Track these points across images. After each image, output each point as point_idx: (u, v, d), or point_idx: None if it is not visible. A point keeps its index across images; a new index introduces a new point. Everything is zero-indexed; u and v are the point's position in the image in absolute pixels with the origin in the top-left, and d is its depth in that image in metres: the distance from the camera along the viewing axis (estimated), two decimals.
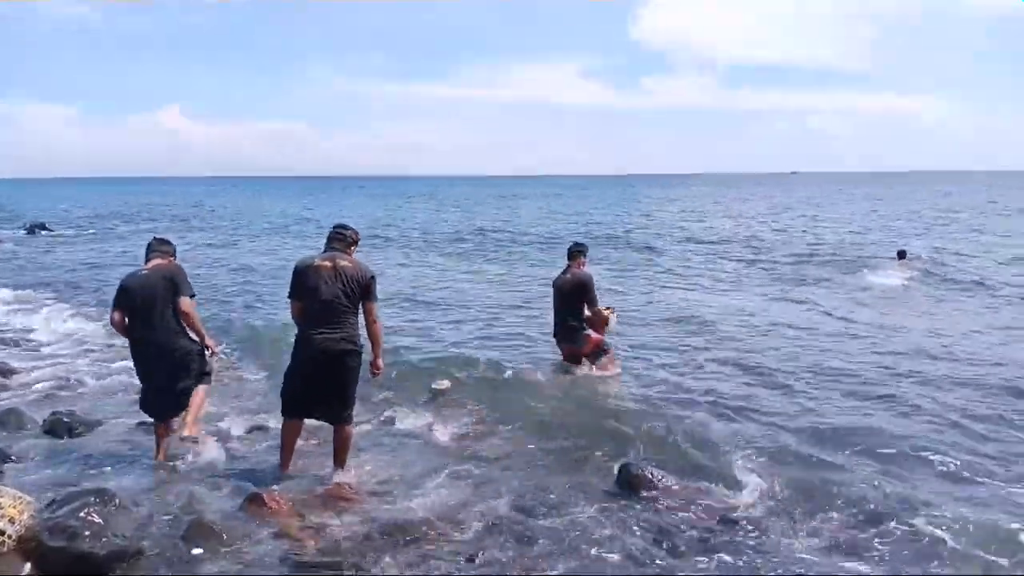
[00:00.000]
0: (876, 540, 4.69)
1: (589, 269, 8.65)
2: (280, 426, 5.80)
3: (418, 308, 13.38)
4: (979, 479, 5.65)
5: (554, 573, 4.34)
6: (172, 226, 36.88)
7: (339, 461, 5.69)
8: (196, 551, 4.43)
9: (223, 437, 6.60)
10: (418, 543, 4.65)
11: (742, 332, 10.95)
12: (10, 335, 11.18)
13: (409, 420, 7.17)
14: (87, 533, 4.17)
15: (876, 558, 4.52)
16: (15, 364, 9.18)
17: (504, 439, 6.67)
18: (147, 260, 6.09)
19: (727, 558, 4.53)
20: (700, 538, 4.77)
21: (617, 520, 5.01)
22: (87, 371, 9.09)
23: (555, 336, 8.71)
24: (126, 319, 5.89)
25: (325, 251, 5.66)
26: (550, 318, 8.76)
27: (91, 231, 34.15)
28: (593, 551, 4.60)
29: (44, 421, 6.94)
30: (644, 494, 5.37)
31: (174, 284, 5.84)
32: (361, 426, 6.46)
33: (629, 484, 5.48)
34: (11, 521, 4.16)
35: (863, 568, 4.41)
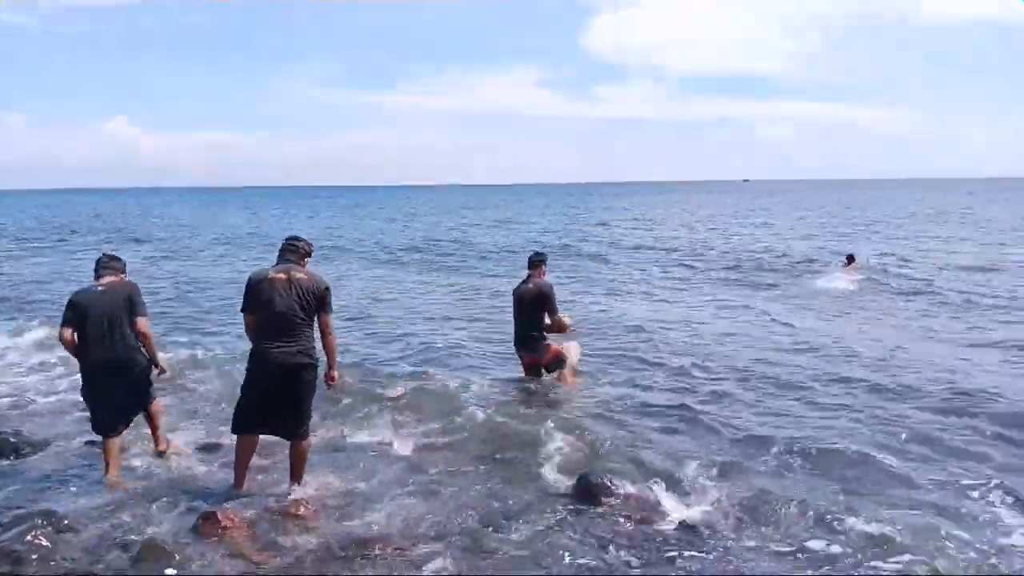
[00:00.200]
0: (825, 543, 4.78)
1: (549, 278, 8.70)
2: (234, 442, 5.72)
3: (371, 319, 13.31)
4: (921, 482, 5.79)
5: None
6: (120, 237, 36.14)
7: (296, 476, 5.63)
8: (148, 574, 4.33)
9: (173, 454, 6.48)
10: (376, 560, 4.62)
11: (693, 340, 11.09)
12: None
13: (365, 432, 7.10)
14: (34, 557, 4.09)
15: (827, 559, 4.61)
16: None
17: (460, 451, 6.64)
18: (97, 277, 6.02)
19: (687, 563, 4.60)
20: (660, 545, 4.82)
21: (577, 529, 5.04)
22: (34, 389, 8.84)
23: (515, 345, 8.74)
24: (76, 336, 5.79)
25: (278, 263, 5.61)
26: (506, 328, 8.78)
27: (34, 244, 33.23)
28: (554, 561, 4.62)
29: None
30: (603, 502, 5.40)
31: (132, 303, 5.87)
32: (317, 440, 6.39)
33: (588, 493, 5.51)
34: None
35: (812, 571, 4.49)
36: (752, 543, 4.84)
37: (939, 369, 9.05)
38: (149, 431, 6.46)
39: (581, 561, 4.62)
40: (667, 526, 5.08)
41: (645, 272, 20.28)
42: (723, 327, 12.25)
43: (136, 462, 6.31)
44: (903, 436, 6.79)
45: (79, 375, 6.03)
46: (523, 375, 8.74)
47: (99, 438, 6.08)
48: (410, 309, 14.63)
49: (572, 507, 5.38)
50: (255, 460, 5.80)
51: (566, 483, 5.78)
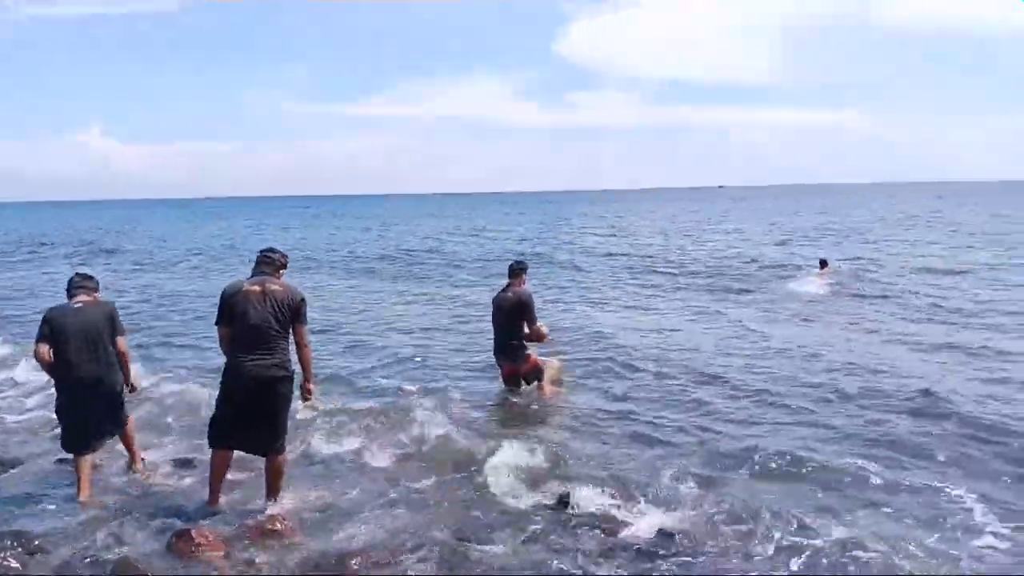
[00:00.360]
0: (800, 549, 4.82)
1: (528, 287, 8.71)
2: (208, 458, 5.67)
3: (345, 330, 13.21)
4: (893, 486, 5.86)
5: None
6: (91, 250, 35.67)
7: (272, 492, 5.59)
8: None
9: (149, 471, 6.42)
10: (356, 574, 4.59)
11: (667, 348, 11.11)
12: None
13: (340, 446, 7.04)
14: None
15: (802, 566, 4.66)
16: None
17: (437, 462, 6.60)
18: (71, 296, 6.03)
19: (664, 571, 4.63)
20: (640, 553, 4.85)
21: (556, 540, 5.05)
22: (5, 407, 8.69)
23: (495, 353, 8.73)
24: (52, 353, 5.75)
25: (253, 275, 5.58)
26: (480, 339, 8.76)
27: (2, 258, 32.67)
28: (535, 571, 4.63)
29: None
30: (580, 512, 5.41)
31: (113, 322, 6.00)
32: (292, 453, 6.35)
33: (566, 504, 5.52)
34: None
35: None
36: (727, 550, 4.87)
37: (908, 374, 9.16)
38: (123, 447, 6.42)
39: (560, 569, 4.62)
40: (644, 534, 5.10)
41: (619, 280, 20.31)
42: (696, 334, 12.31)
43: (110, 479, 6.24)
44: (874, 441, 6.88)
45: (50, 392, 5.98)
46: (501, 385, 8.75)
47: (71, 456, 6.01)
48: (383, 320, 14.55)
49: (551, 517, 5.39)
50: (231, 475, 5.75)
51: (544, 493, 5.78)
